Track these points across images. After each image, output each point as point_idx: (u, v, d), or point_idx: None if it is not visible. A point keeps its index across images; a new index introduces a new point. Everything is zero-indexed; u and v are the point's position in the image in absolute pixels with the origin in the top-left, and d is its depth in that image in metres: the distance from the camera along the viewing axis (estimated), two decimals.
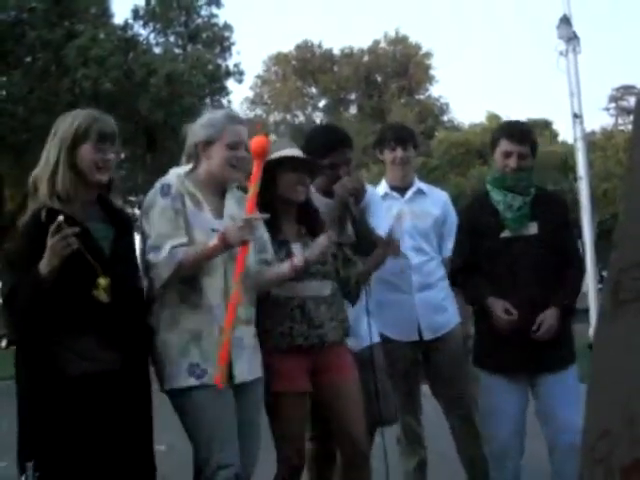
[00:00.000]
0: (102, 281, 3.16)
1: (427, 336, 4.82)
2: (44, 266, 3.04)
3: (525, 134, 4.37)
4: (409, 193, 5.00)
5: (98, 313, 3.16)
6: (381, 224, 4.59)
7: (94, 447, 3.13)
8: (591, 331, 15.01)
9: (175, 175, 3.65)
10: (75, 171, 3.28)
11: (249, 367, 3.61)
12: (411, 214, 4.91)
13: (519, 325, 4.11)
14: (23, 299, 3.11)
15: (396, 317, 4.80)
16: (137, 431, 3.30)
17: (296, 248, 3.96)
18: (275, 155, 3.93)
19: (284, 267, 3.78)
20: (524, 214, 4.24)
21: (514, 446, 4.24)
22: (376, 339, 4.44)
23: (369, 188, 4.68)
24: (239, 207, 3.70)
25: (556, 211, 4.34)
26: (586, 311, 16.63)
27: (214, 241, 3.44)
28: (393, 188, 5.02)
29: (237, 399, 3.55)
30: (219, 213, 3.67)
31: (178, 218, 3.52)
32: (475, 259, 4.31)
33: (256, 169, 3.53)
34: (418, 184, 5.08)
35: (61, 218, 3.02)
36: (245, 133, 3.72)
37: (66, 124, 3.34)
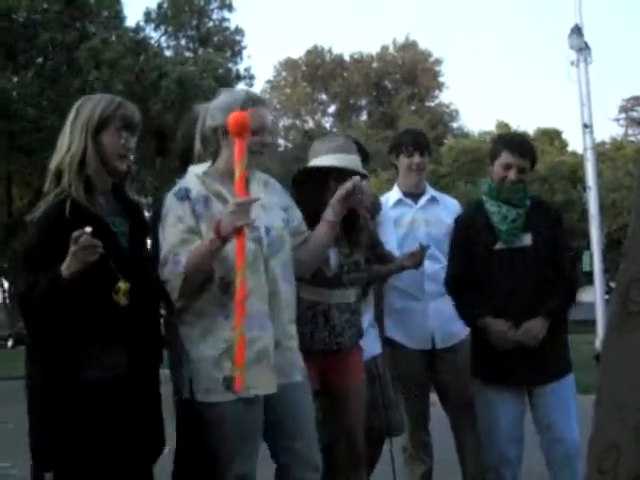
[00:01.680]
0: (122, 285, 3.01)
1: (440, 345, 4.79)
2: (65, 269, 2.89)
3: (526, 148, 4.35)
4: (422, 200, 4.97)
5: (116, 316, 3.04)
6: (389, 238, 4.58)
7: (109, 452, 3.03)
8: (598, 342, 14.98)
9: (193, 176, 3.37)
10: (100, 158, 3.13)
11: (288, 372, 3.44)
12: (425, 222, 4.87)
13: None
14: (41, 300, 2.97)
15: (410, 325, 4.77)
16: (148, 435, 3.19)
17: (332, 252, 3.84)
18: (326, 162, 3.83)
19: (321, 227, 3.54)
20: (518, 226, 4.23)
21: (511, 455, 4.26)
22: (380, 350, 4.45)
23: (381, 201, 4.70)
24: (266, 192, 3.47)
25: (550, 222, 4.32)
26: (593, 322, 16.61)
27: (210, 234, 3.16)
28: (406, 195, 4.99)
29: (284, 415, 3.41)
30: None
31: (200, 223, 3.26)
32: (468, 271, 4.32)
33: (238, 148, 3.17)
34: (431, 191, 5.05)
35: (89, 230, 2.85)
36: (268, 115, 3.45)
37: (88, 108, 3.14)
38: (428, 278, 4.72)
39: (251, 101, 3.38)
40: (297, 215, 3.58)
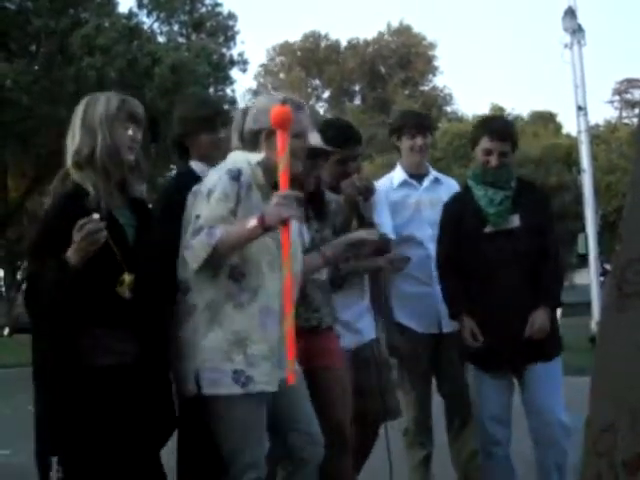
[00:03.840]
0: (127, 278, 3.07)
1: (446, 329, 4.79)
2: (71, 256, 2.95)
3: (506, 131, 4.40)
4: (426, 182, 4.95)
5: (120, 307, 3.09)
6: (384, 220, 4.58)
7: (116, 440, 3.06)
8: (593, 324, 15.02)
9: (246, 162, 3.39)
10: (110, 151, 3.19)
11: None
12: (430, 203, 4.86)
13: (503, 319, 4.19)
14: (49, 287, 3.00)
15: (417, 309, 4.76)
16: (156, 425, 3.22)
17: (302, 228, 3.85)
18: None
19: (315, 258, 3.71)
20: (506, 208, 4.29)
21: (500, 437, 4.33)
22: (374, 335, 4.46)
23: (377, 184, 4.73)
24: None
25: (537, 202, 4.39)
26: (588, 304, 16.64)
27: (252, 222, 3.17)
28: (411, 176, 4.99)
29: (289, 400, 3.44)
30: None
31: (238, 207, 3.29)
32: (458, 255, 4.36)
33: (282, 141, 3.23)
34: (434, 173, 5.05)
35: (96, 216, 2.93)
36: (307, 120, 3.56)
37: (96, 106, 3.24)
38: (435, 261, 4.71)
39: (295, 107, 3.42)
40: (304, 227, 3.68)
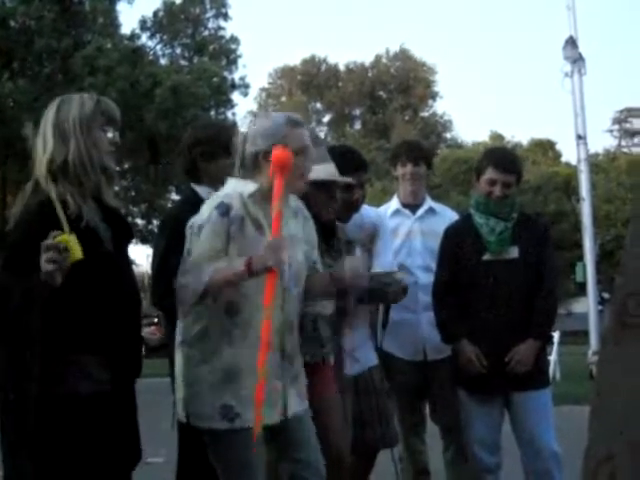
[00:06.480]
0: (66, 237, 2.74)
1: (431, 356, 4.78)
2: (42, 273, 2.71)
3: (512, 164, 4.43)
4: (420, 211, 4.98)
5: (99, 333, 2.93)
6: (387, 252, 4.56)
7: (90, 469, 2.90)
8: (590, 353, 14.99)
9: (237, 195, 3.29)
10: (90, 157, 3.00)
11: (300, 399, 3.42)
12: (421, 232, 4.88)
13: (494, 348, 4.19)
14: (15, 304, 2.77)
15: (403, 336, 4.76)
16: (124, 449, 3.06)
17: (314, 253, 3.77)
18: (311, 175, 3.66)
19: (323, 279, 3.57)
20: (505, 238, 4.31)
21: (492, 464, 4.33)
22: (376, 362, 4.44)
23: (381, 212, 4.79)
24: (295, 222, 3.45)
25: (537, 236, 4.41)
26: (585, 333, 16.62)
27: (240, 267, 3.12)
28: (405, 205, 5.01)
29: (292, 430, 3.37)
30: None
31: (230, 244, 3.21)
32: (455, 280, 4.38)
33: (278, 185, 3.19)
34: (430, 202, 5.06)
35: (54, 236, 2.71)
36: (308, 137, 3.41)
37: (70, 108, 3.03)
38: (422, 289, 4.70)
39: (290, 124, 3.35)
40: (316, 252, 3.58)
